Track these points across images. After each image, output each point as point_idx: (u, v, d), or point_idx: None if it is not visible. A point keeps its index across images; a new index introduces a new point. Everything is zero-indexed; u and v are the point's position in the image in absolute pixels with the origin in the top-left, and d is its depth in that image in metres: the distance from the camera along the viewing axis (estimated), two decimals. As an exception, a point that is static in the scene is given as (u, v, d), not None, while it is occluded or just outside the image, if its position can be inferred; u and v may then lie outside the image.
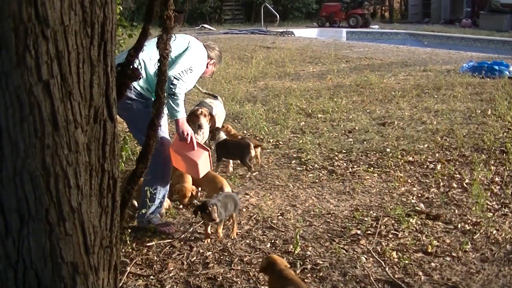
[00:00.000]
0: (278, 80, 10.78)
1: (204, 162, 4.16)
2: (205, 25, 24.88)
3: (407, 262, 3.61)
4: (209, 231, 3.98)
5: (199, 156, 4.12)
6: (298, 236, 3.88)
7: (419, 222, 4.24)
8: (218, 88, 9.57)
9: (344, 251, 3.80)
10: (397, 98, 8.63)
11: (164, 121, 4.33)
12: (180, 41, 4.16)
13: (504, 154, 5.72)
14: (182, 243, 3.98)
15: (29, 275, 1.86)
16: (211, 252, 3.83)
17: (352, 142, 6.42)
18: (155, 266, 3.66)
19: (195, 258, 3.76)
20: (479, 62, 11.36)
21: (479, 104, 8.13)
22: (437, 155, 5.86)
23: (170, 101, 3.91)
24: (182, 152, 4.11)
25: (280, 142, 6.47)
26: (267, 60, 13.24)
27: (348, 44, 18.40)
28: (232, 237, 4.02)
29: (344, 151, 6.08)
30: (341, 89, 9.54)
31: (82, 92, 1.86)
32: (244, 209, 4.54)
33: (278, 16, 25.17)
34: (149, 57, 3.93)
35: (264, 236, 4.08)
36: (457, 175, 5.25)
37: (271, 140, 6.53)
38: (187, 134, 4.04)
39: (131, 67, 2.41)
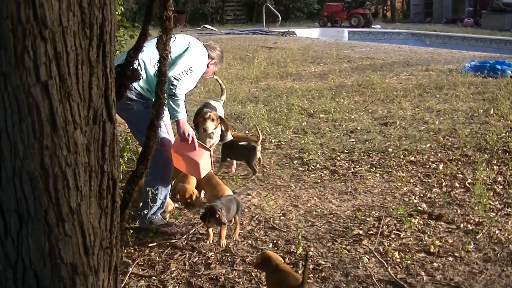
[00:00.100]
0: (280, 80, 10.78)
1: (205, 162, 4.15)
2: (207, 26, 24.88)
3: (409, 262, 3.60)
4: (211, 232, 3.97)
5: (200, 156, 4.11)
6: (300, 237, 3.88)
7: (421, 222, 4.23)
8: (219, 89, 9.53)
9: (346, 251, 3.79)
10: (399, 98, 8.61)
11: (167, 121, 4.33)
12: (180, 41, 4.15)
13: (507, 154, 5.71)
14: (184, 243, 3.97)
15: (28, 276, 1.86)
16: (213, 253, 3.83)
17: (354, 142, 6.41)
18: (157, 266, 3.66)
19: (197, 258, 3.76)
20: (481, 61, 11.33)
21: (481, 103, 8.12)
22: (439, 154, 5.85)
23: (171, 102, 3.90)
24: (183, 153, 4.10)
25: (282, 142, 6.47)
26: (269, 60, 13.24)
27: (350, 44, 18.39)
28: (234, 238, 4.02)
29: (346, 151, 6.07)
30: (343, 89, 9.53)
31: (81, 93, 1.86)
32: (246, 210, 4.54)
33: (279, 16, 25.14)
34: (149, 58, 3.93)
35: (266, 237, 4.08)
36: (460, 175, 5.24)
37: (273, 141, 6.52)
38: (188, 134, 4.03)
39: (131, 68, 2.41)
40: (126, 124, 4.75)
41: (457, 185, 4.99)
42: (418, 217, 4.29)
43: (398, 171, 5.41)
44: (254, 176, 5.30)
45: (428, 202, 4.65)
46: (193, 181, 4.67)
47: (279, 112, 7.87)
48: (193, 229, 4.19)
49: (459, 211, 4.45)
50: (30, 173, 1.76)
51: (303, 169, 5.57)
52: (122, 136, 6.18)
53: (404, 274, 3.49)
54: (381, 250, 3.81)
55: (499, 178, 5.11)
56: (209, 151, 4.26)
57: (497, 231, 4.03)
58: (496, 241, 3.91)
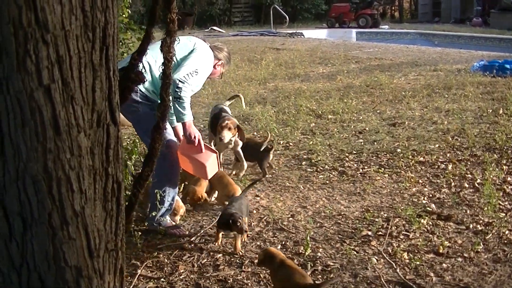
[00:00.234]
0: (288, 82, 10.77)
1: (212, 164, 4.15)
2: (215, 27, 24.96)
3: (418, 263, 3.58)
4: (220, 235, 3.96)
5: (207, 158, 4.11)
6: (308, 238, 3.87)
7: (430, 223, 4.20)
8: (228, 90, 9.58)
9: (355, 252, 3.78)
10: (407, 98, 8.57)
11: (177, 124, 4.33)
12: (185, 43, 4.15)
13: (516, 153, 5.67)
14: (192, 245, 3.97)
15: (33, 279, 1.86)
16: (221, 254, 3.82)
17: (362, 143, 6.39)
18: (165, 268, 3.66)
19: (205, 260, 3.76)
20: (490, 61, 11.26)
21: (490, 103, 8.06)
22: (448, 155, 5.81)
23: (176, 105, 3.90)
24: (189, 155, 4.10)
25: (290, 144, 6.45)
26: (277, 61, 13.24)
27: (358, 44, 18.35)
28: (243, 240, 4.01)
29: (354, 152, 6.05)
30: (351, 90, 9.50)
31: (85, 97, 1.86)
32: (255, 211, 4.53)
33: (287, 17, 25.15)
34: (154, 60, 3.93)
35: (274, 238, 4.06)
36: (469, 175, 5.20)
37: (281, 142, 6.51)
38: (195, 137, 4.03)
39: (135, 70, 2.41)
40: (133, 127, 4.75)
41: (466, 186, 4.96)
42: (427, 217, 4.26)
43: (407, 171, 5.38)
44: (263, 178, 5.30)
45: (437, 202, 4.62)
46: (204, 184, 4.67)
47: (287, 113, 7.86)
48: (202, 231, 4.18)
49: (468, 211, 4.41)
50: (33, 176, 1.76)
51: (312, 170, 5.56)
52: (130, 138, 6.21)
53: (413, 275, 3.46)
54: (390, 251, 3.79)
55: (509, 178, 5.06)
56: (216, 153, 4.26)
57: (506, 232, 3.99)
58: (505, 241, 3.87)
